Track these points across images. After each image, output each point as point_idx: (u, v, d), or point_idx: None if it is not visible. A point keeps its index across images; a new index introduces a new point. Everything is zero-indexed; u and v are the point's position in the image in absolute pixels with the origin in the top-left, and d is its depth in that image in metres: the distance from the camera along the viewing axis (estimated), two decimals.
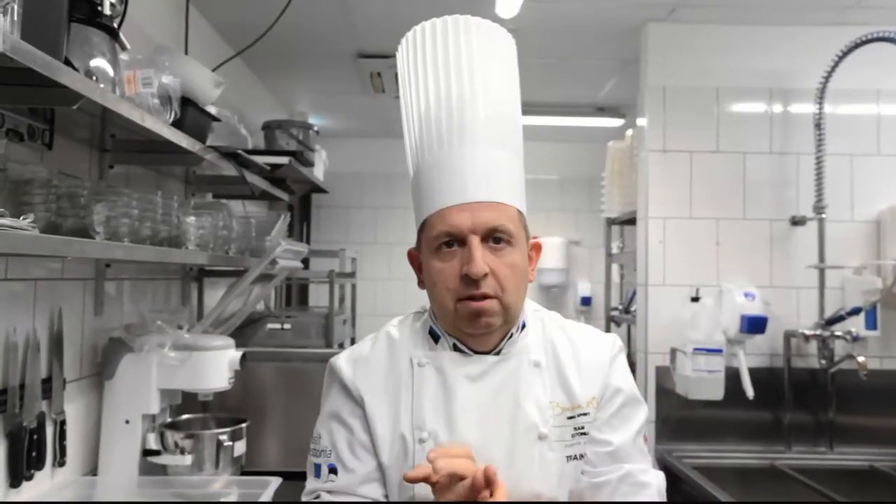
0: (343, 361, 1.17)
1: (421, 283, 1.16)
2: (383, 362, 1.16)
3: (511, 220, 1.09)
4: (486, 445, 1.06)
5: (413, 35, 1.18)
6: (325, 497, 1.09)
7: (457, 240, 1.07)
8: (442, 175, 1.09)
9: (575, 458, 1.11)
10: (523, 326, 1.17)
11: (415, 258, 1.18)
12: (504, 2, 2.56)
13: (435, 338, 1.16)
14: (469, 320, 1.08)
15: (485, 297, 1.06)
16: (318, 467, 1.12)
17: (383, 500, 1.10)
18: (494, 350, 1.14)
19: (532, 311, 1.22)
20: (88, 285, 1.91)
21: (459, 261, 1.07)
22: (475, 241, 1.06)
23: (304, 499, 1.12)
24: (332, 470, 1.10)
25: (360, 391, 1.13)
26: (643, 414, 1.17)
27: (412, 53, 1.17)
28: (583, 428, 1.12)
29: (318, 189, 3.51)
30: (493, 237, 1.07)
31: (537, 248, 1.18)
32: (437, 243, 1.08)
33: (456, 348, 1.14)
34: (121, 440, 1.89)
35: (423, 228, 1.13)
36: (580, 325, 1.25)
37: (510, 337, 1.14)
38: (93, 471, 1.91)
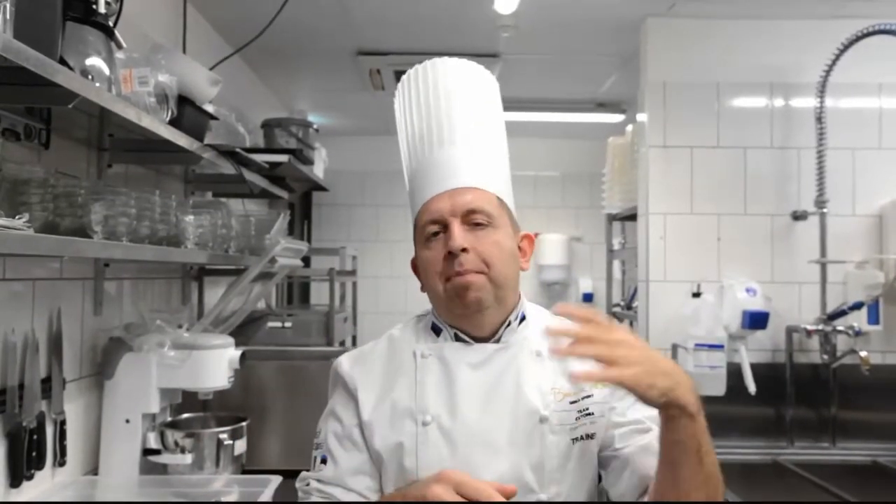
0: (344, 359, 1.25)
1: (423, 288, 1.21)
2: (382, 356, 1.23)
3: (490, 203, 1.15)
4: (487, 428, 1.11)
5: (407, 77, 1.30)
6: (314, 484, 1.16)
7: (441, 227, 1.14)
8: (427, 173, 1.19)
9: (581, 438, 1.13)
10: (524, 318, 1.21)
11: (416, 266, 1.24)
12: None
13: (437, 332, 1.21)
14: (458, 296, 1.12)
15: (468, 272, 1.11)
16: (314, 459, 1.20)
17: (368, 492, 1.15)
18: (494, 338, 1.17)
19: (535, 308, 1.26)
20: (87, 285, 1.91)
21: (443, 244, 1.13)
22: (455, 222, 1.13)
23: (297, 483, 1.20)
24: (324, 461, 1.17)
25: (354, 381, 1.19)
26: None
27: (408, 88, 1.29)
28: (588, 409, 1.14)
29: (319, 187, 3.51)
30: (474, 220, 1.13)
31: (529, 239, 1.24)
32: (425, 233, 1.16)
33: (458, 338, 1.18)
34: (121, 439, 1.89)
35: (415, 228, 1.21)
36: None
37: (508, 325, 1.18)
38: (93, 470, 1.91)
